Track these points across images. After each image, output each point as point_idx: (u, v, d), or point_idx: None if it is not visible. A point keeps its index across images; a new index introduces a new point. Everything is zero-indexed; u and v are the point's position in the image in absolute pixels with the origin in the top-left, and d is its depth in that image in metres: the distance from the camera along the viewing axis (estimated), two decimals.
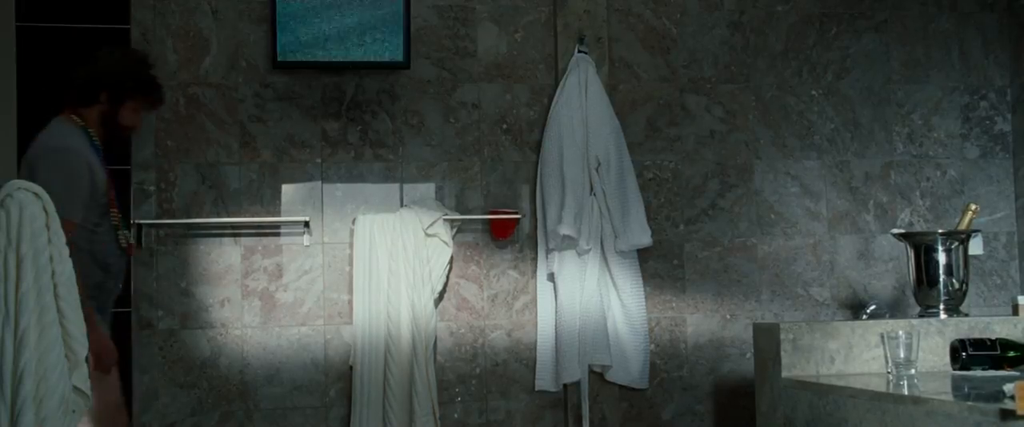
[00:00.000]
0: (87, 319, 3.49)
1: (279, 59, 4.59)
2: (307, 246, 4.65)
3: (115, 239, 3.72)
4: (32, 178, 3.43)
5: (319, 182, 4.70)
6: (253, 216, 4.65)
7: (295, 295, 4.64)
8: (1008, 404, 2.29)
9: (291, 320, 4.63)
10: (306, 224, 4.63)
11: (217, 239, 4.62)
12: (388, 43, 4.62)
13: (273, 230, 4.67)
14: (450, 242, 4.65)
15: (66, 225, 3.41)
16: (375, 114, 4.76)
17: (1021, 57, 5.25)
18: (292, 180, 4.69)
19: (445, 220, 4.65)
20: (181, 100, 4.61)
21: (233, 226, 4.62)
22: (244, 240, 4.64)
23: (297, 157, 4.69)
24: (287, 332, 4.63)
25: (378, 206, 4.72)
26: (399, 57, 4.63)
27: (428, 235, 4.62)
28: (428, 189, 4.78)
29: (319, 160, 4.71)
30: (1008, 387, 2.32)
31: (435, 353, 4.65)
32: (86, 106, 3.70)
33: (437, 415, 4.55)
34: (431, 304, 4.59)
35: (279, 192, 4.68)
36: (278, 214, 4.65)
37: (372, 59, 4.63)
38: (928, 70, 5.26)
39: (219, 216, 4.62)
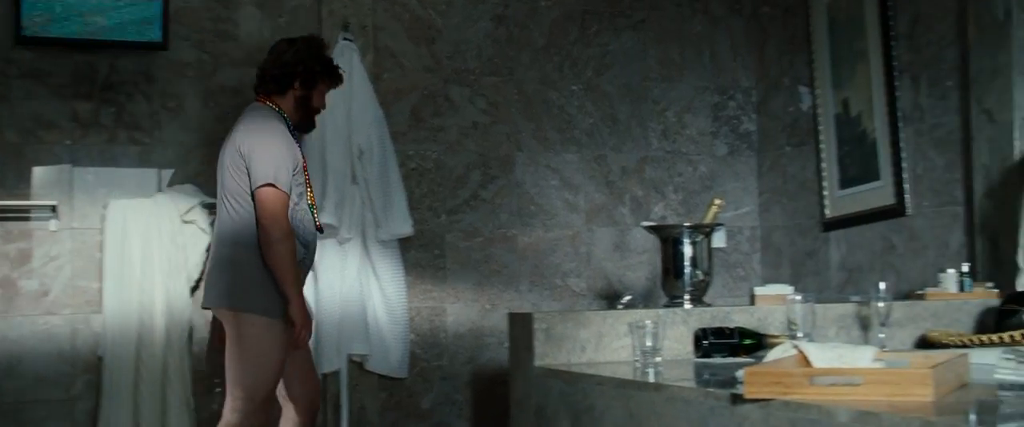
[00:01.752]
0: (293, 294, 3.69)
1: (24, 33, 4.37)
2: (54, 231, 4.45)
3: (312, 218, 3.84)
4: (244, 158, 3.61)
5: (69, 165, 4.50)
6: None
7: (40, 282, 4.44)
8: (739, 389, 2.41)
9: (35, 308, 4.42)
10: (53, 208, 4.43)
11: None
12: (145, 22, 4.46)
13: (19, 215, 4.44)
14: (208, 229, 4.54)
15: (280, 196, 3.63)
16: (130, 96, 4.59)
17: (765, 60, 5.53)
18: (39, 162, 4.48)
19: (202, 206, 4.54)
20: None
21: None
22: None
23: (45, 139, 4.48)
24: (30, 321, 4.42)
25: (133, 191, 4.56)
26: (156, 37, 4.49)
27: (185, 221, 4.51)
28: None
29: (69, 142, 4.51)
30: (740, 373, 2.43)
31: (190, 343, 4.54)
32: (280, 94, 3.84)
33: (192, 407, 4.44)
34: (187, 292, 4.48)
35: (26, 175, 4.45)
36: (24, 198, 4.43)
37: (128, 39, 4.46)
38: (682, 70, 5.48)
39: None
